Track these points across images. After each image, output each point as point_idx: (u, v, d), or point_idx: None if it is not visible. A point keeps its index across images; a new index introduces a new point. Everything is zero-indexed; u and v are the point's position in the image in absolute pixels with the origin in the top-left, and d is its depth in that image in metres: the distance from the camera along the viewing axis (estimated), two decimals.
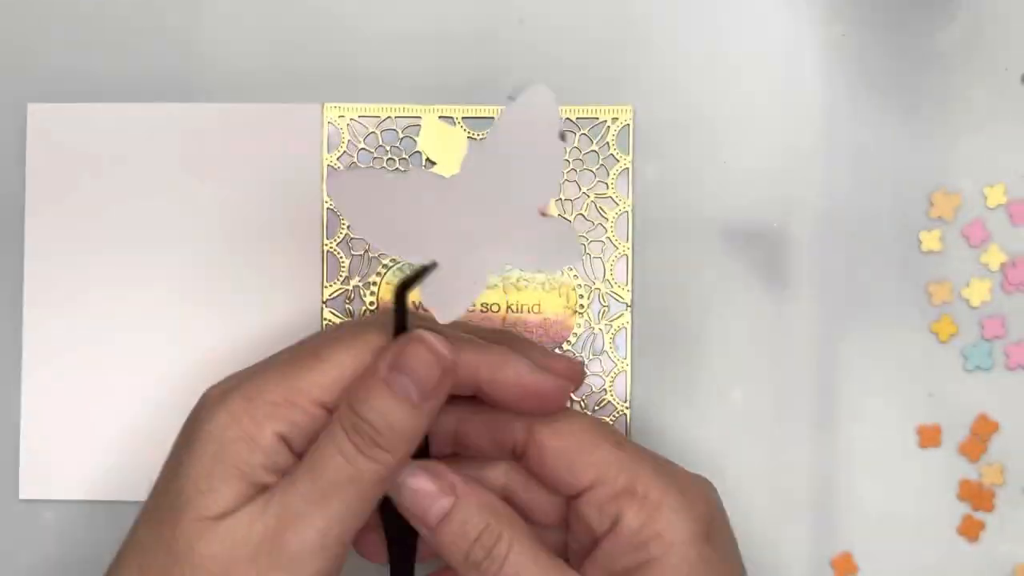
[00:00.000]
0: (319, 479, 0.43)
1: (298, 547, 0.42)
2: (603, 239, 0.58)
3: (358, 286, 0.58)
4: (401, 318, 0.44)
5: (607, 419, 0.57)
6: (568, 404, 0.50)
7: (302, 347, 0.46)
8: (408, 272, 0.44)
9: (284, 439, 0.44)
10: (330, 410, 0.44)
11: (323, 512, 0.43)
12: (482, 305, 0.57)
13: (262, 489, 0.43)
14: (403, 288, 0.44)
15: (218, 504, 0.43)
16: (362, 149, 0.58)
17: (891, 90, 0.58)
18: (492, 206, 0.43)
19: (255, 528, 0.42)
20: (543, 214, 0.44)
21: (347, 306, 0.58)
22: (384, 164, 0.58)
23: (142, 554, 0.44)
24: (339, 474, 0.43)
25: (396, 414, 0.43)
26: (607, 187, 0.58)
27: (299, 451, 0.44)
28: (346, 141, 0.58)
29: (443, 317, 0.44)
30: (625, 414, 0.57)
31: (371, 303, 0.58)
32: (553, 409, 0.48)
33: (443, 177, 0.43)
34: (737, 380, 0.58)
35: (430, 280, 0.43)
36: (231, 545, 0.42)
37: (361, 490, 0.43)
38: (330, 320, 0.57)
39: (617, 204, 0.58)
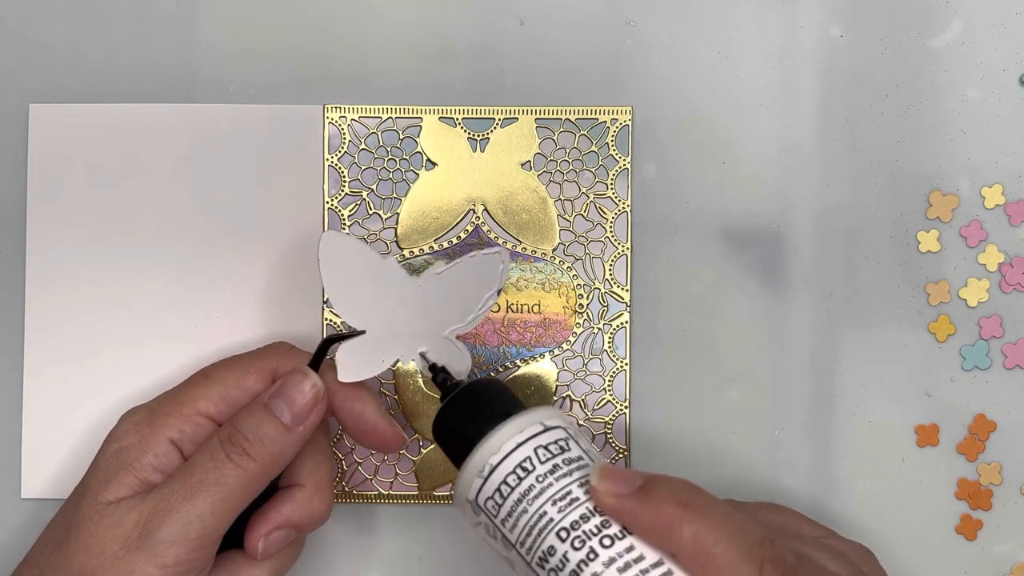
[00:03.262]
0: (189, 478, 0.49)
1: (163, 535, 0.49)
2: (603, 239, 0.58)
3: None
4: (317, 360, 0.52)
5: (607, 419, 0.57)
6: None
7: (201, 370, 0.53)
8: (340, 330, 0.55)
9: (175, 444, 0.51)
10: (216, 421, 0.52)
11: (188, 507, 0.49)
12: None
13: (150, 486, 0.50)
14: (329, 341, 0.52)
15: (111, 493, 0.50)
16: (363, 150, 0.58)
17: (889, 90, 0.58)
18: (425, 314, 0.52)
19: (131, 515, 0.49)
20: (454, 339, 0.52)
21: None
22: (385, 165, 0.58)
23: (52, 530, 0.51)
24: (206, 475, 0.49)
25: (268, 429, 0.50)
26: (607, 187, 0.58)
27: (189, 456, 0.51)
28: (347, 142, 0.58)
29: (344, 376, 0.52)
30: (624, 413, 0.58)
31: None
32: (390, 451, 0.54)
33: (408, 276, 0.53)
34: (736, 380, 0.58)
35: (351, 343, 0.52)
36: (110, 526, 0.49)
37: (224, 491, 0.49)
38: (330, 319, 0.58)
39: (617, 204, 0.58)
